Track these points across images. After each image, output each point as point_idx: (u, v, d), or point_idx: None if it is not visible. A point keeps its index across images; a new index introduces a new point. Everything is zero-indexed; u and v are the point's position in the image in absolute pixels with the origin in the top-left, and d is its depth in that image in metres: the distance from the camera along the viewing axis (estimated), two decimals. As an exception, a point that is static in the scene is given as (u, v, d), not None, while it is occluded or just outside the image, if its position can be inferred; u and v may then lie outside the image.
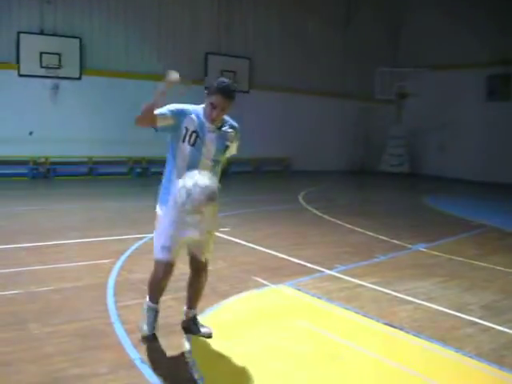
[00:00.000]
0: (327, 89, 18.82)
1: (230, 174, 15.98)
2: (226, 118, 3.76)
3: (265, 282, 5.46)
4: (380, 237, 8.08)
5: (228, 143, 3.73)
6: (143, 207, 9.83)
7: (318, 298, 5.02)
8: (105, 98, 14.42)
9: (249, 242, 7.20)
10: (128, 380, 3.29)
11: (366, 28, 19.65)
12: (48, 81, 13.91)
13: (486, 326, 4.52)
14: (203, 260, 3.95)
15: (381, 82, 19.30)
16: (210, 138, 3.67)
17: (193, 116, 3.65)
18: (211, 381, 3.32)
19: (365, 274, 5.90)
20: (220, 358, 3.70)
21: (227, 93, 3.59)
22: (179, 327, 4.13)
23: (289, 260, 6.39)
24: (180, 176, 3.50)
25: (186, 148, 3.63)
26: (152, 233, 6.07)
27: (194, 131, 3.62)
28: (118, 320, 4.23)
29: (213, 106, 3.59)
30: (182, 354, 3.69)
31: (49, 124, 13.79)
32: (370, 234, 8.27)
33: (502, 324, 4.57)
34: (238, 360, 3.65)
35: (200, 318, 4.29)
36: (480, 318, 4.68)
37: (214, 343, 3.93)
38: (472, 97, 18.32)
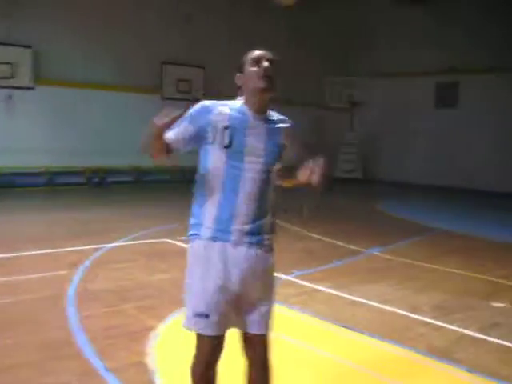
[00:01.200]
0: (281, 97, 19.07)
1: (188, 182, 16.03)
2: (273, 112, 2.62)
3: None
4: (336, 242, 8.27)
5: (283, 141, 2.56)
6: (100, 217, 9.86)
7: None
8: (61, 108, 14.26)
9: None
10: (92, 387, 3.36)
11: (318, 37, 19.97)
12: (0, 91, 13.70)
13: (437, 325, 4.74)
14: (266, 334, 2.63)
15: (333, 91, 19.66)
16: (256, 134, 2.48)
17: (222, 108, 2.48)
18: (171, 382, 3.41)
19: (321, 279, 6.07)
20: (182, 363, 3.79)
21: (264, 48, 2.58)
22: (141, 334, 4.19)
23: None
24: (211, 209, 2.46)
25: (218, 154, 2.45)
26: (109, 242, 5.97)
27: (225, 127, 2.44)
28: (79, 330, 4.27)
29: (258, 62, 2.47)
30: (145, 361, 3.76)
31: (4, 135, 13.58)
32: (326, 239, 8.46)
33: (452, 322, 4.80)
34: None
35: (164, 324, 4.39)
36: (432, 318, 4.89)
37: (176, 349, 4.01)
38: (422, 104, 18.82)
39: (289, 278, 6.07)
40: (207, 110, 2.46)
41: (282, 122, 2.61)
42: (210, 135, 2.44)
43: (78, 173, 14.77)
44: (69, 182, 14.53)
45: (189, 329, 2.50)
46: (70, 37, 14.49)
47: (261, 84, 2.44)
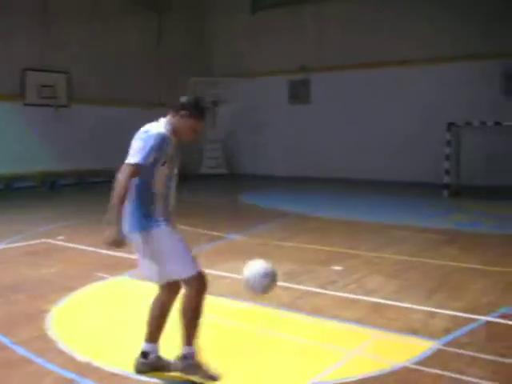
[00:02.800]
0: (143, 99, 19.62)
1: (59, 187, 16.35)
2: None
3: (105, 276, 6.33)
4: (201, 231, 9.20)
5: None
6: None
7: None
8: None
9: (86, 246, 7.94)
10: (4, 356, 4.06)
11: (178, 40, 20.81)
12: None
13: (285, 286, 5.86)
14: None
15: (195, 91, 20.63)
16: (177, 154, 3.69)
17: (168, 139, 3.57)
18: (73, 345, 4.19)
19: (191, 261, 6.99)
20: (79, 333, 4.58)
21: (207, 115, 3.77)
22: (38, 316, 4.89)
23: (123, 257, 7.19)
24: (161, 197, 3.57)
25: (165, 170, 3.57)
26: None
27: (172, 155, 3.59)
28: (-19, 318, 4.89)
29: (194, 131, 3.66)
30: (47, 334, 4.48)
31: None
32: (192, 229, 9.33)
33: (297, 283, 5.97)
34: (93, 332, 4.57)
35: (54, 309, 5.12)
36: (280, 281, 5.97)
37: (72, 323, 4.79)
38: (277, 101, 20.32)
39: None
40: (166, 142, 3.54)
41: None
42: (162, 160, 3.53)
43: None
44: None
45: (194, 272, 3.55)
46: None
47: (184, 141, 3.70)
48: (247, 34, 20.83)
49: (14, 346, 4.22)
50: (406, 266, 6.84)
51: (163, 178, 3.57)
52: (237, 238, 8.71)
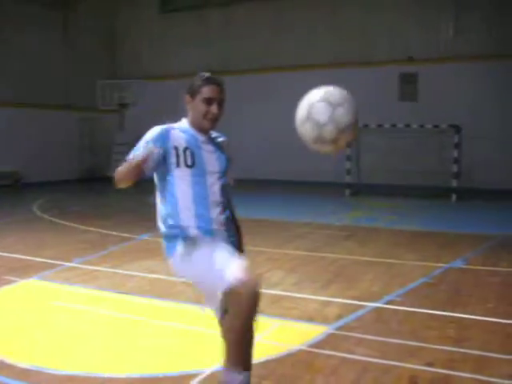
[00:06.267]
0: (51, 101, 19.32)
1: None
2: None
3: (15, 279, 6.37)
4: (111, 232, 9.36)
5: (226, 153, 3.07)
6: None
7: (61, 283, 6.14)
8: None
9: (-8, 251, 7.91)
10: None
11: (85, 41, 20.63)
12: None
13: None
14: None
15: (103, 93, 20.49)
16: (209, 151, 2.97)
17: (177, 131, 2.94)
18: (-15, 348, 4.32)
19: (99, 262, 7.15)
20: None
21: (218, 81, 2.98)
22: None
23: (33, 260, 7.28)
24: (188, 212, 2.91)
25: (185, 172, 2.89)
26: None
27: (186, 148, 2.88)
28: None
29: (208, 102, 2.89)
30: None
31: None
32: (103, 231, 9.50)
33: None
34: (5, 332, 4.69)
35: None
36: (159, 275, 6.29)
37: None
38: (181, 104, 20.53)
39: (71, 264, 7.05)
40: (166, 135, 2.91)
41: (219, 137, 3.14)
42: (173, 159, 2.88)
43: None
44: None
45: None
46: None
47: (207, 125, 2.96)
48: (154, 36, 21.00)
49: None
50: (305, 261, 7.32)
51: (184, 186, 2.94)
52: (146, 238, 8.91)
